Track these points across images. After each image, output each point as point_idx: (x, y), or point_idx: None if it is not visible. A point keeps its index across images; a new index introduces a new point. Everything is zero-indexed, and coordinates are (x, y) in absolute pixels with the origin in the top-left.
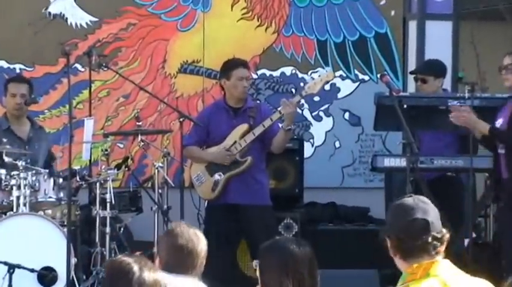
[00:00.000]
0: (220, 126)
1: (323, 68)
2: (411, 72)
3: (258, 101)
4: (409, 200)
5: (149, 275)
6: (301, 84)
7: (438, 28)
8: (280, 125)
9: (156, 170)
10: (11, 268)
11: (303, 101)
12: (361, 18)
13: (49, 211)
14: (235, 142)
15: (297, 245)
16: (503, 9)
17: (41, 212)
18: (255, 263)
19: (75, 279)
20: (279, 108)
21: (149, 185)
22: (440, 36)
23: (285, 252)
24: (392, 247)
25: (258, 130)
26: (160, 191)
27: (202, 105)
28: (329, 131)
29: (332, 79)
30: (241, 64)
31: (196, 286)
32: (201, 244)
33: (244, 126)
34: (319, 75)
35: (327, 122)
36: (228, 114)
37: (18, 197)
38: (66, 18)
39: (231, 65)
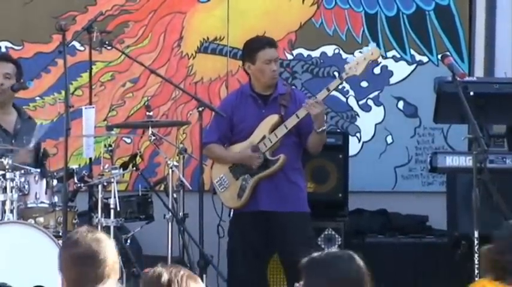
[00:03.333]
0: (247, 118)
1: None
2: None
3: (293, 87)
4: None
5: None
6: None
7: None
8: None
9: (170, 170)
10: None
11: (348, 87)
12: None
13: (41, 219)
14: (264, 137)
15: (350, 261)
16: None
17: (31, 220)
18: (297, 286)
19: None
20: (303, 105)
21: (162, 188)
22: None
23: (337, 271)
24: None
25: (291, 122)
26: (175, 195)
27: (226, 91)
28: (379, 123)
29: (378, 57)
30: (268, 43)
31: None
32: (104, 249)
33: (273, 118)
34: (362, 54)
35: (377, 113)
36: (256, 103)
37: (3, 202)
38: None
39: (254, 46)
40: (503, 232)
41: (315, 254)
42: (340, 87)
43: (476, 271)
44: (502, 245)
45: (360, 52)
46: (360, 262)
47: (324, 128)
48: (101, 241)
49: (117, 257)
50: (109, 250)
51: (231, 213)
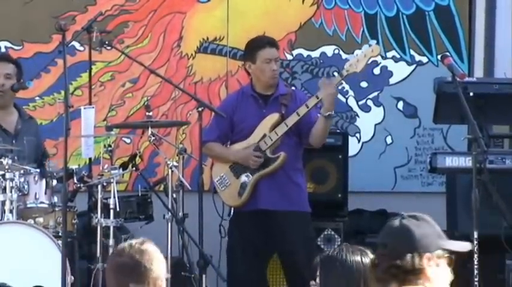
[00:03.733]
0: (247, 117)
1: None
2: None
3: (293, 87)
4: None
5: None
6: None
7: None
8: (318, 114)
9: (170, 170)
10: None
11: (347, 87)
12: None
13: (40, 219)
14: (264, 135)
15: (365, 256)
16: None
17: (31, 221)
18: (313, 284)
19: None
20: (316, 93)
21: (161, 188)
22: None
23: (354, 267)
24: None
25: (292, 120)
26: (174, 195)
27: (225, 91)
28: (379, 123)
29: (378, 55)
30: (268, 43)
31: None
32: (148, 261)
33: (274, 116)
34: (362, 51)
35: (377, 113)
36: (257, 103)
37: (3, 202)
38: None
39: (255, 45)
40: (390, 235)
41: (329, 250)
42: (339, 87)
43: (476, 272)
44: (396, 247)
45: (361, 51)
46: (371, 256)
47: (331, 113)
48: (146, 252)
49: (164, 273)
50: (153, 263)
51: (231, 212)
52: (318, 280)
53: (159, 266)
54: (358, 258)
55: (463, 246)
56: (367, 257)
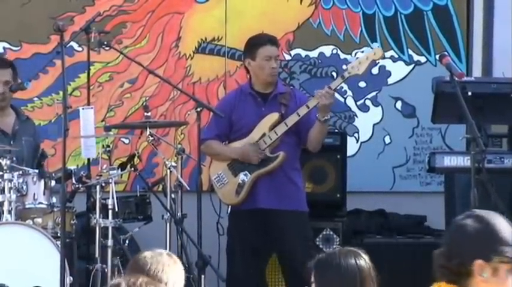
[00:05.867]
0: (246, 116)
1: (370, 48)
2: None
3: (292, 87)
4: None
5: None
6: (344, 67)
7: None
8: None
9: (168, 171)
10: None
11: (345, 87)
12: None
13: (39, 220)
14: (263, 135)
15: (360, 258)
16: None
17: (30, 221)
18: None
19: None
20: (316, 92)
21: (160, 188)
22: None
23: (350, 270)
24: None
25: (292, 120)
26: (173, 195)
27: (224, 92)
28: (377, 123)
29: (380, 58)
30: (269, 41)
31: None
32: (163, 266)
33: (274, 116)
34: (365, 53)
35: (375, 113)
36: (256, 101)
37: (1, 203)
38: None
39: (255, 42)
40: (448, 234)
41: (323, 254)
42: (338, 87)
43: None
44: (449, 248)
45: (364, 53)
46: (367, 258)
47: (327, 117)
48: (159, 261)
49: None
50: (165, 269)
51: (228, 210)
52: (313, 285)
53: (172, 273)
54: (352, 261)
55: None
56: (362, 259)
